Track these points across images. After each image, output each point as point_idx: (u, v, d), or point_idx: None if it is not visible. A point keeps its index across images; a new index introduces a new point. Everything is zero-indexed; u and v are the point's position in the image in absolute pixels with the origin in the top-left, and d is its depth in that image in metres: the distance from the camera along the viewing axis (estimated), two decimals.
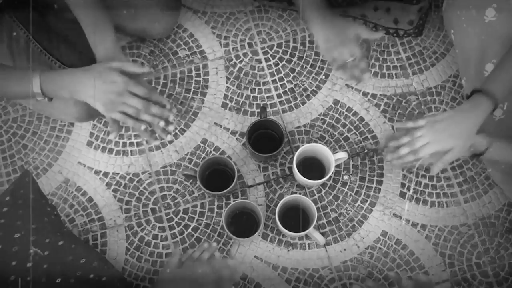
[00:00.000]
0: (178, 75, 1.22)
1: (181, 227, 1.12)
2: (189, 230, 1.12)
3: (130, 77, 0.94)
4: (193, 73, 1.23)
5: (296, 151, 1.08)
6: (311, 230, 1.06)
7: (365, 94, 1.21)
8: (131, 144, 1.18)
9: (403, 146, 0.95)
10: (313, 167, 1.13)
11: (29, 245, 0.98)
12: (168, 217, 1.13)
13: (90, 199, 1.14)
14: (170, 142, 1.18)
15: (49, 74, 0.93)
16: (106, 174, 1.16)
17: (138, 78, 0.97)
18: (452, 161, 1.16)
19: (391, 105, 1.20)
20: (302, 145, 1.10)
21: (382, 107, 1.20)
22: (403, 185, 1.15)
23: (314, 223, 1.05)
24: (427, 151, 0.93)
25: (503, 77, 0.95)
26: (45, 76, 0.93)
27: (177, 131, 1.18)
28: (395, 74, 1.23)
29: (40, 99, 0.94)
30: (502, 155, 0.99)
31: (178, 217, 1.13)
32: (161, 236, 1.12)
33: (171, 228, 1.13)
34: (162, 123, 0.95)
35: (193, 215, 1.13)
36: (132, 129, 1.18)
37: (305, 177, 1.07)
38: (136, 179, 1.15)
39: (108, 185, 1.15)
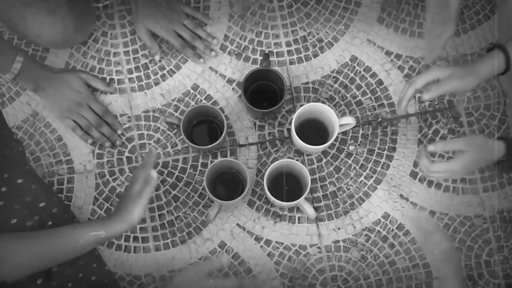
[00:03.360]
0: None
1: (158, 182, 1.08)
2: (167, 186, 1.08)
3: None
4: (192, 6, 1.15)
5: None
6: (301, 201, 1.01)
7: (388, 53, 1.13)
8: (111, 81, 1.12)
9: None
10: (315, 131, 1.07)
11: None
12: None
13: (59, 138, 1.10)
14: (156, 84, 1.12)
15: (31, 61, 1.05)
16: None
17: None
18: None
19: (417, 70, 1.13)
20: None
21: (405, 71, 1.13)
22: (416, 164, 1.09)
23: (306, 193, 1.00)
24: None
25: None
26: (27, 61, 1.03)
27: (165, 72, 1.13)
28: None
29: (5, 76, 1.03)
30: None
31: (156, 170, 1.09)
32: None
33: None
34: (108, 144, 1.09)
35: (173, 170, 1.09)
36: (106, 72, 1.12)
37: (304, 141, 1.02)
38: None
39: (74, 132, 1.10)
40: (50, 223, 1.00)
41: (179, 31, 1.10)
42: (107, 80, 1.13)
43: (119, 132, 1.10)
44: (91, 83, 1.10)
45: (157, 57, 1.12)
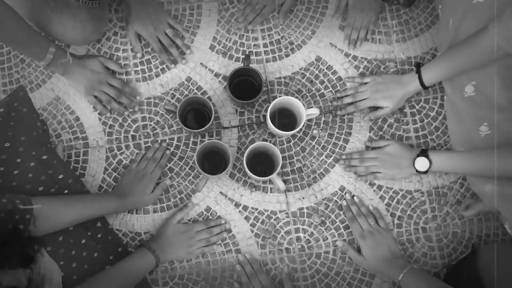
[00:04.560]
0: (173, 12, 1.39)
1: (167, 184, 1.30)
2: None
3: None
4: (187, 12, 1.38)
5: (273, 101, 1.24)
6: (274, 176, 1.24)
7: (347, 55, 1.37)
8: (120, 73, 1.36)
9: (347, 97, 1.32)
10: (286, 118, 1.29)
11: (17, 155, 1.18)
12: (146, 145, 1.33)
13: (77, 119, 1.33)
14: (157, 76, 1.36)
15: (60, 50, 1.25)
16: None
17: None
18: (418, 131, 1.34)
19: (370, 69, 1.36)
20: (280, 96, 1.27)
21: (360, 70, 1.36)
22: (367, 147, 1.33)
23: (278, 170, 1.23)
24: (364, 105, 1.29)
25: (436, 69, 1.12)
26: (58, 50, 1.24)
27: (164, 66, 1.36)
28: (379, 39, 1.38)
29: (40, 63, 1.25)
30: (447, 168, 1.22)
31: (168, 177, 1.31)
32: None
33: None
34: (126, 113, 1.33)
35: (169, 147, 1.33)
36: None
37: (277, 126, 1.24)
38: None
39: (95, 108, 1.34)
40: (66, 191, 1.21)
41: (161, 38, 1.33)
42: (122, 64, 1.36)
43: (138, 98, 1.33)
44: (108, 65, 1.32)
45: (139, 55, 1.35)
